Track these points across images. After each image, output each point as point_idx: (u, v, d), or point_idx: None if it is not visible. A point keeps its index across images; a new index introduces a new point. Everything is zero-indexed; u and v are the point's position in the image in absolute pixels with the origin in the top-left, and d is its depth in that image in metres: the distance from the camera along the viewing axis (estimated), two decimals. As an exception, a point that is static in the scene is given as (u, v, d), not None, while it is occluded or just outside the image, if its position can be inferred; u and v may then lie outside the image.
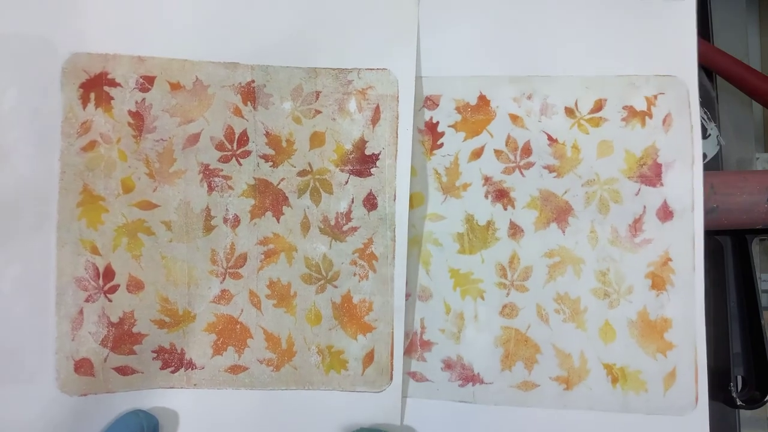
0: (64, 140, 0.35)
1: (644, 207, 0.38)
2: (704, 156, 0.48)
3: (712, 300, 0.46)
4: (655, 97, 0.38)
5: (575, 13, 0.39)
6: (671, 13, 0.38)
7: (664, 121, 0.38)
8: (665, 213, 0.37)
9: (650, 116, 0.38)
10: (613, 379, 0.37)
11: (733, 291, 0.44)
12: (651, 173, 0.38)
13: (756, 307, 0.43)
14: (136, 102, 0.36)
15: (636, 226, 0.38)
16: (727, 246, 0.45)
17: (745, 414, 0.45)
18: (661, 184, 0.37)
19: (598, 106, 0.38)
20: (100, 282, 0.36)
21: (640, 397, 0.37)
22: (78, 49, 0.36)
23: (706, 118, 0.49)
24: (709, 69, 0.50)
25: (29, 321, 0.35)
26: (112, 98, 0.36)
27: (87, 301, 0.36)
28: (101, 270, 0.36)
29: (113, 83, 0.36)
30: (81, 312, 0.36)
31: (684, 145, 0.37)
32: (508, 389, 0.38)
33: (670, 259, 0.37)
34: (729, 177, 0.40)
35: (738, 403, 0.41)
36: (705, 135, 0.49)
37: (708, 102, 0.50)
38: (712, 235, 0.45)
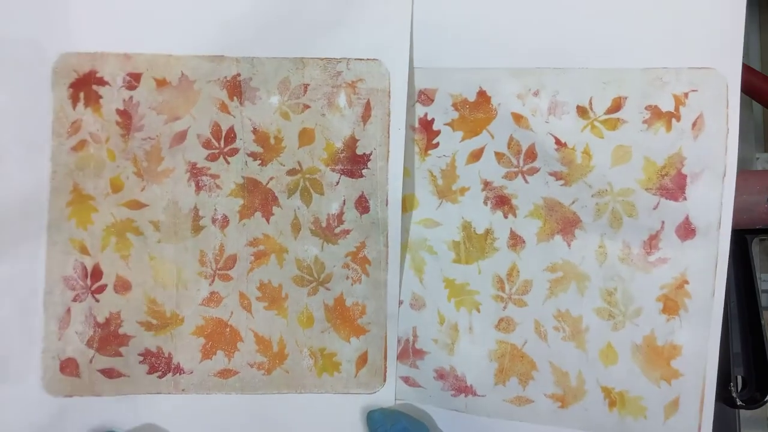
0: (54, 140, 0.35)
1: (662, 223, 0.33)
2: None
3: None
4: (686, 95, 0.32)
5: None
6: None
7: (694, 125, 0.32)
8: (686, 231, 0.33)
9: (678, 118, 0.32)
10: (610, 403, 0.34)
11: (733, 291, 0.41)
12: (673, 185, 0.33)
13: (756, 307, 0.39)
14: (124, 100, 0.36)
15: (651, 243, 0.33)
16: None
17: (745, 414, 0.43)
18: (684, 198, 0.32)
19: (617, 105, 0.33)
20: (88, 282, 0.36)
21: (638, 422, 0.34)
22: (67, 49, 0.35)
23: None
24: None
25: (16, 320, 0.35)
26: (101, 97, 0.35)
27: (75, 300, 0.36)
28: (89, 270, 0.36)
29: (102, 82, 0.35)
30: (68, 311, 0.36)
31: (715, 154, 0.32)
32: (501, 403, 0.36)
33: (687, 282, 0.33)
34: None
35: (738, 403, 0.39)
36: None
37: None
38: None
